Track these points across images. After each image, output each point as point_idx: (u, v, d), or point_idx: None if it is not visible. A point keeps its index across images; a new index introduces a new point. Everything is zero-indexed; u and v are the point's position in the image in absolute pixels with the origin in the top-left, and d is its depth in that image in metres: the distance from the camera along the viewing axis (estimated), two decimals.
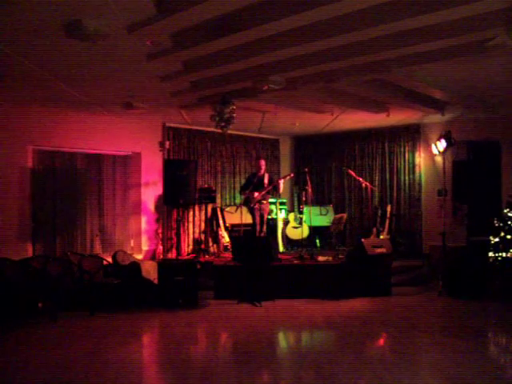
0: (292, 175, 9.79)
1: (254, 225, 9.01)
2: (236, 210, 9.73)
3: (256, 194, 8.83)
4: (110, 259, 7.96)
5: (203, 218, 10.32)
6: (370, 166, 10.98)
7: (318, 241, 10.71)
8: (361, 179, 9.71)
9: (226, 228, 10.09)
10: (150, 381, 4.81)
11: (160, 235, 9.84)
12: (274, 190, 9.03)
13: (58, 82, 6.59)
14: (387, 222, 9.60)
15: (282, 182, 9.00)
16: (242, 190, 9.33)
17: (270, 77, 6.09)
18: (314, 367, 4.80)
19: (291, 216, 10.47)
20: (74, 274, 7.37)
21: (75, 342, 5.76)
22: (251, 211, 9.03)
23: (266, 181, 8.99)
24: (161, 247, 9.78)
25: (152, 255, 9.62)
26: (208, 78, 6.48)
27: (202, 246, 9.92)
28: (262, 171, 9.10)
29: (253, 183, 8.90)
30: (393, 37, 4.85)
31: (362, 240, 8.12)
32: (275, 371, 4.87)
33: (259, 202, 8.87)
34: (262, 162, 9.19)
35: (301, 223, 10.23)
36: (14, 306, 6.49)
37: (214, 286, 7.91)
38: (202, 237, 10.21)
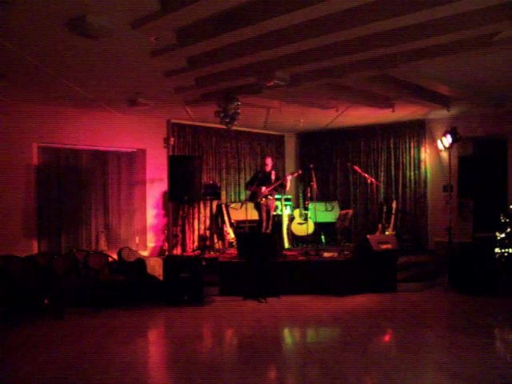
0: (300, 172, 9.69)
1: (260, 221, 9.00)
2: (241, 207, 9.72)
3: (263, 189, 8.81)
4: (115, 256, 7.99)
5: (208, 214, 10.31)
6: (375, 162, 10.92)
7: (323, 237, 10.70)
8: (366, 175, 9.68)
9: (231, 224, 10.09)
10: (155, 378, 4.82)
11: (165, 232, 9.85)
12: (280, 187, 9.00)
13: (63, 79, 6.59)
14: (393, 218, 9.58)
15: (289, 178, 8.99)
16: (247, 185, 9.34)
17: (276, 73, 6.06)
18: (319, 364, 4.80)
19: (296, 212, 10.46)
20: (80, 270, 7.40)
21: (81, 338, 5.77)
22: (258, 207, 9.01)
23: (273, 177, 8.97)
24: (166, 244, 9.80)
25: (157, 252, 9.63)
26: (212, 73, 6.45)
27: (207, 243, 9.92)
28: (269, 168, 9.08)
29: (258, 179, 8.89)
30: (399, 31, 4.81)
31: (368, 236, 8.09)
32: (281, 368, 4.87)
33: (265, 197, 8.86)
34: (268, 160, 9.18)
35: (306, 219, 10.21)
36: (20, 303, 6.50)
37: (219, 283, 7.92)
38: (207, 233, 10.21)
